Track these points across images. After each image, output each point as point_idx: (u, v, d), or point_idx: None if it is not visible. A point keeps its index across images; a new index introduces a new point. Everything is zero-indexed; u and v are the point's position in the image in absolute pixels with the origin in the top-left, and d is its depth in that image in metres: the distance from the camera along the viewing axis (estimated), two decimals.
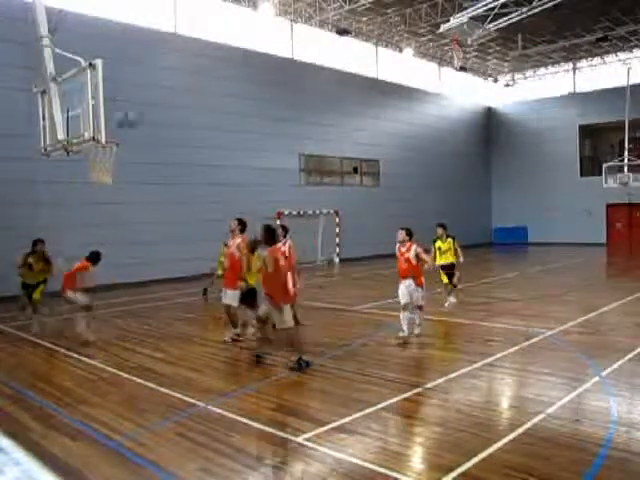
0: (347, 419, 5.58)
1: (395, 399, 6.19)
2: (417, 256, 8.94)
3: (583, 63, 30.96)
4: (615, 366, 7.20)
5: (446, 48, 26.99)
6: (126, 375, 7.50)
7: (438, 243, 11.57)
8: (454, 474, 4.37)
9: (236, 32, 20.88)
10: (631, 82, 26.21)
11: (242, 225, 9.30)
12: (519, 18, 18.25)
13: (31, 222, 14.71)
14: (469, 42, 19.52)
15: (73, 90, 8.22)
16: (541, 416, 5.56)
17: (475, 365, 7.45)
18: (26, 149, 13.06)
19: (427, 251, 9.68)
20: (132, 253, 16.72)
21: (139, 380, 7.24)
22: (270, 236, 7.83)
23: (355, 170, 25.79)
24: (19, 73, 14.18)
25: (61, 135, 8.44)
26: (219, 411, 5.95)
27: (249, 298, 9.13)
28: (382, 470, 4.48)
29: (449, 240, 11.53)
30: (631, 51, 28.72)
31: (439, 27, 19.38)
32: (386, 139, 26.84)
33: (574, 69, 31.39)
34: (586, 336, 9.20)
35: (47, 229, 14.33)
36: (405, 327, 8.84)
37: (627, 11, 22.76)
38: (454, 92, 31.81)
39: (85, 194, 15.38)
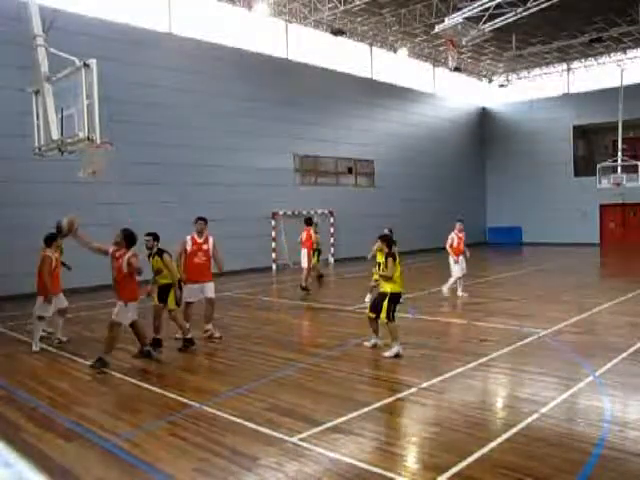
0: (342, 419, 5.58)
1: (390, 399, 6.20)
2: None
3: (577, 64, 31.09)
4: (609, 366, 7.24)
5: (441, 49, 27.05)
6: (120, 375, 7.48)
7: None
8: (449, 474, 4.38)
9: (231, 32, 20.86)
10: (625, 83, 26.35)
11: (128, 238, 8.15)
12: (514, 19, 18.30)
13: (28, 222, 14.67)
14: (463, 43, 19.55)
15: (67, 90, 8.19)
16: (535, 416, 5.57)
17: (470, 365, 7.46)
18: (21, 149, 13.02)
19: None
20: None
21: (133, 380, 7.22)
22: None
23: (350, 170, 25.80)
24: (13, 72, 14.12)
25: (55, 135, 8.41)
26: (213, 411, 5.94)
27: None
28: (377, 470, 4.48)
29: None
30: (624, 52, 28.85)
31: (434, 28, 19.39)
32: (381, 139, 26.86)
33: (568, 70, 31.51)
34: (580, 336, 9.23)
35: (45, 229, 14.33)
36: None
37: (621, 12, 22.87)
38: (448, 92, 31.87)
39: (82, 194, 15.34)
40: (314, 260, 15.87)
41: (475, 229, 33.12)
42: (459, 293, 13.42)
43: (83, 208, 15.79)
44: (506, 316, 10.94)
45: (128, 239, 7.97)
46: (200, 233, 9.45)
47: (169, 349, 8.81)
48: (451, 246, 13.42)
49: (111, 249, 8.09)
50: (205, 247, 9.41)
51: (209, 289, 9.53)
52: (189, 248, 9.35)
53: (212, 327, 9.56)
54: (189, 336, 8.88)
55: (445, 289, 13.32)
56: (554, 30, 24.96)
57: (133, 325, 8.21)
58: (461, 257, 13.46)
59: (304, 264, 14.99)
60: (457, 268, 13.35)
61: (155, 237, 8.86)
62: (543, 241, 30.56)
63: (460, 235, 13.54)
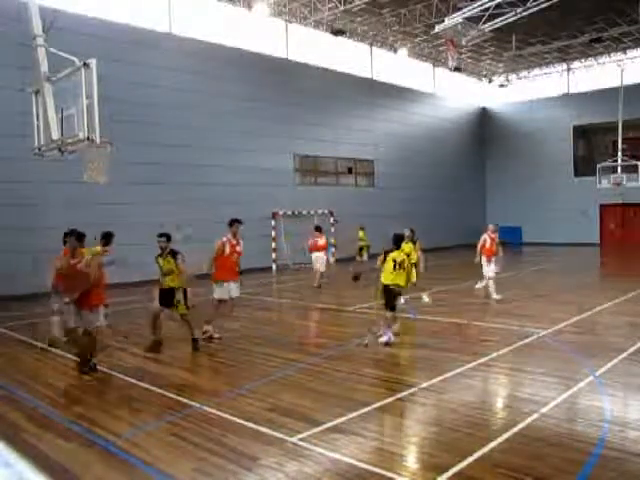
0: (342, 419, 5.58)
1: (390, 399, 6.20)
2: None
3: (577, 64, 31.09)
4: (609, 366, 7.23)
5: (441, 48, 27.03)
6: (120, 375, 7.47)
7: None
8: (449, 474, 4.37)
9: (231, 32, 20.87)
10: (625, 83, 26.35)
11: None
12: (514, 19, 18.30)
13: (28, 222, 14.68)
14: (463, 43, 19.56)
15: (67, 90, 8.18)
16: (535, 416, 5.57)
17: (470, 365, 7.46)
18: (20, 149, 13.03)
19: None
20: (128, 253, 16.68)
21: (133, 380, 7.21)
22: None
23: (349, 170, 25.81)
24: (13, 72, 14.12)
25: (55, 135, 8.40)
26: (214, 411, 5.94)
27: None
28: (377, 470, 4.48)
29: None
30: (624, 52, 28.85)
31: (434, 28, 19.41)
32: (381, 139, 26.86)
33: (568, 70, 31.52)
34: (580, 336, 9.23)
35: (47, 229, 14.33)
36: None
37: (621, 12, 22.88)
38: (449, 92, 31.87)
39: (82, 194, 15.35)
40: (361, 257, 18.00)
41: (475, 229, 33.07)
42: (495, 296, 12.96)
43: (83, 208, 15.88)
44: (506, 316, 10.94)
45: (82, 238, 7.78)
46: (235, 235, 9.71)
47: (169, 349, 8.80)
48: (483, 247, 13.27)
49: (71, 261, 7.77)
50: (238, 248, 9.78)
51: (236, 288, 9.83)
52: (228, 250, 9.56)
53: (211, 328, 9.58)
54: (196, 336, 8.88)
55: (487, 287, 13.23)
56: (554, 30, 24.96)
57: (86, 333, 7.62)
58: (494, 258, 13.30)
59: (322, 268, 15.94)
60: (492, 268, 13.17)
61: (168, 238, 8.76)
62: (543, 241, 30.56)
63: (493, 236, 13.40)
